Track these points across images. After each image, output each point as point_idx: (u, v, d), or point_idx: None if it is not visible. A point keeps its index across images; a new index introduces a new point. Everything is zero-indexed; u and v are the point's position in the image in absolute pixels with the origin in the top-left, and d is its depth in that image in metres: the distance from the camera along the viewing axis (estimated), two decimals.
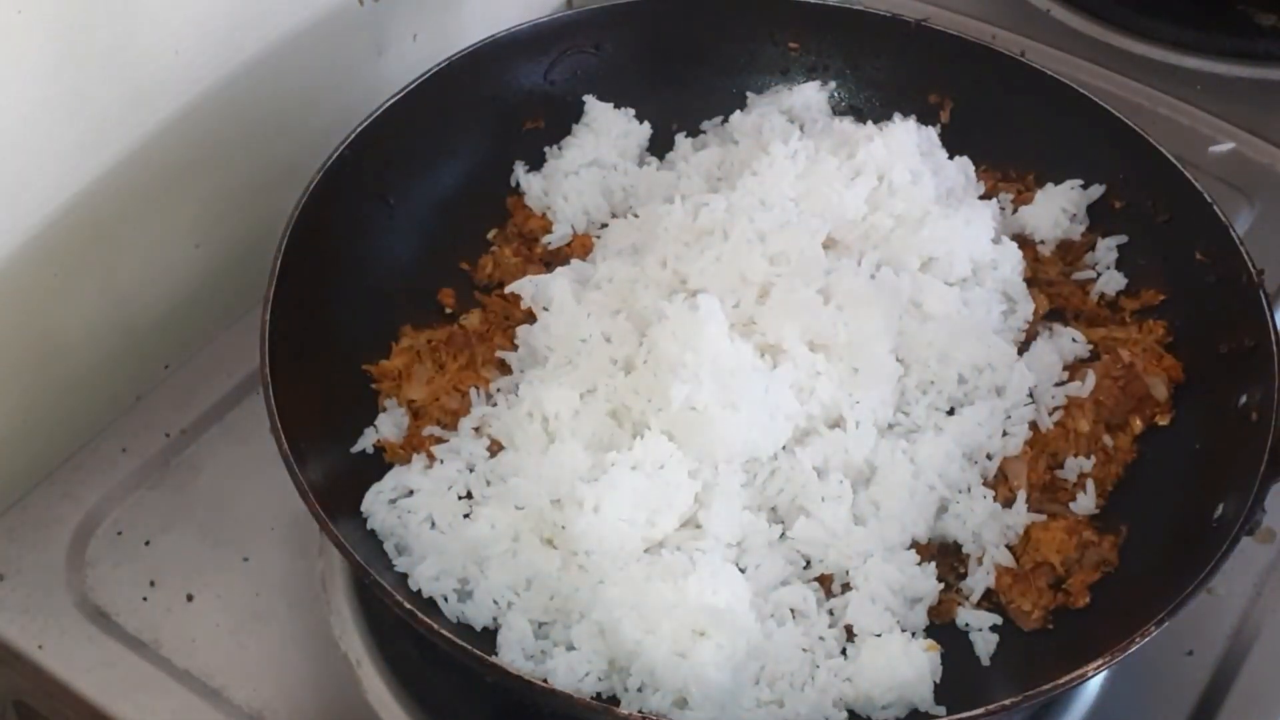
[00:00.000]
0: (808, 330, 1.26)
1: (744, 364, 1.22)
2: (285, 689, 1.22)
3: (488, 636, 1.15)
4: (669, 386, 1.19)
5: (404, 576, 1.17)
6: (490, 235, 1.47)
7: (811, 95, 1.53)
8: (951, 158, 1.47)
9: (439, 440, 1.27)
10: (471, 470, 1.24)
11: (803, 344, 1.25)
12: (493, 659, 1.08)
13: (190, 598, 1.27)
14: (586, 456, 1.20)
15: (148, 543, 1.31)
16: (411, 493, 1.22)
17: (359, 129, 1.35)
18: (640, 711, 1.06)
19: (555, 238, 1.45)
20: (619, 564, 1.14)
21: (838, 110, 1.55)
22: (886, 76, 1.54)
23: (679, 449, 1.19)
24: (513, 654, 1.12)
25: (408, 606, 1.07)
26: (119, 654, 1.23)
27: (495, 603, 1.15)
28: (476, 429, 1.27)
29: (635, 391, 1.23)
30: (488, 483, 1.23)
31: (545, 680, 1.08)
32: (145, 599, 1.27)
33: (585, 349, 1.27)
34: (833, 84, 1.55)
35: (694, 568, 1.14)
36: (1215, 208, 1.31)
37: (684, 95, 1.55)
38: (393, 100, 1.38)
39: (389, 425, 1.28)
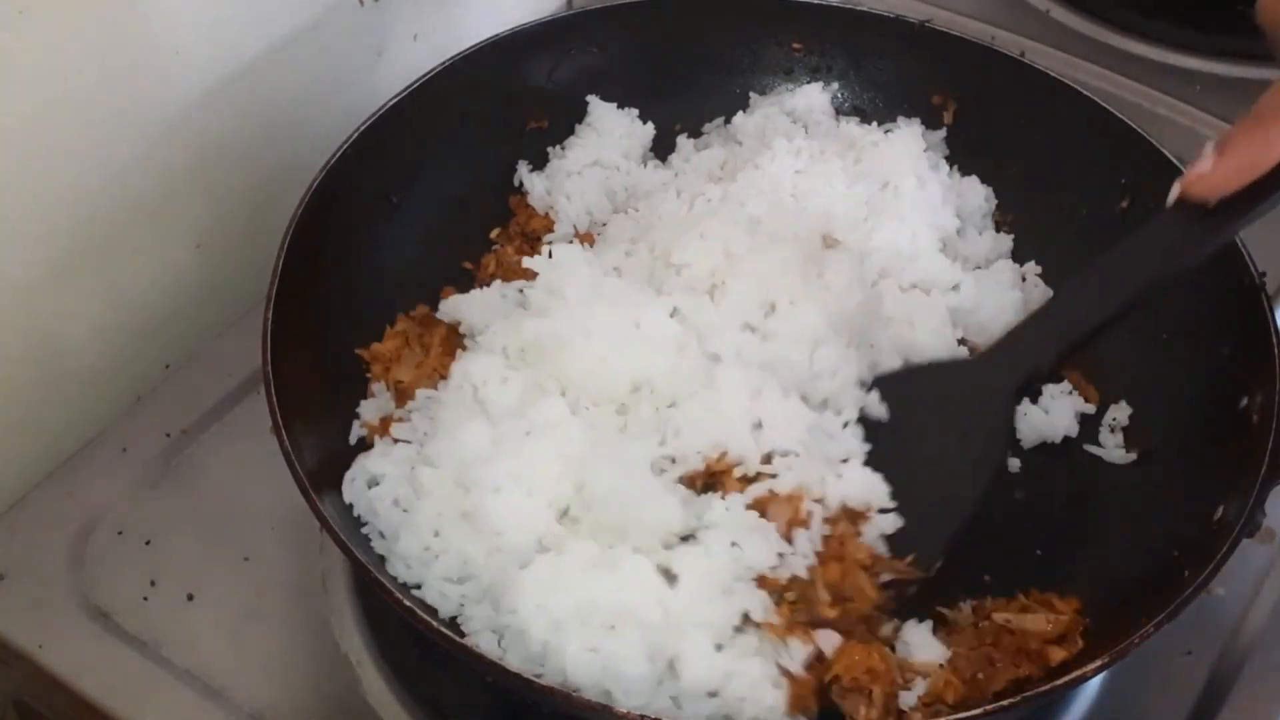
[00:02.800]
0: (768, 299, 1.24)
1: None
2: (286, 688, 1.22)
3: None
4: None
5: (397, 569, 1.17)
6: (493, 234, 1.47)
7: (815, 97, 1.53)
8: (953, 163, 1.48)
9: (401, 420, 1.27)
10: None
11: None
12: (492, 658, 1.08)
13: (191, 597, 1.27)
14: (488, 430, 1.18)
15: (148, 542, 1.31)
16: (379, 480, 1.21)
17: (363, 127, 1.35)
18: (639, 711, 1.06)
19: (557, 237, 1.45)
20: (532, 544, 1.13)
21: (841, 111, 1.55)
22: (890, 77, 1.54)
23: (573, 408, 1.18)
24: (485, 641, 1.11)
25: (407, 604, 1.07)
26: (119, 653, 1.23)
27: (444, 594, 1.15)
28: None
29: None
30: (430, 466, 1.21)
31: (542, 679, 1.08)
32: (146, 599, 1.27)
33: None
34: (835, 85, 1.56)
35: (606, 562, 1.12)
36: None
37: (687, 95, 1.55)
38: (397, 99, 1.38)
39: (372, 410, 1.28)
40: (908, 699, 1.10)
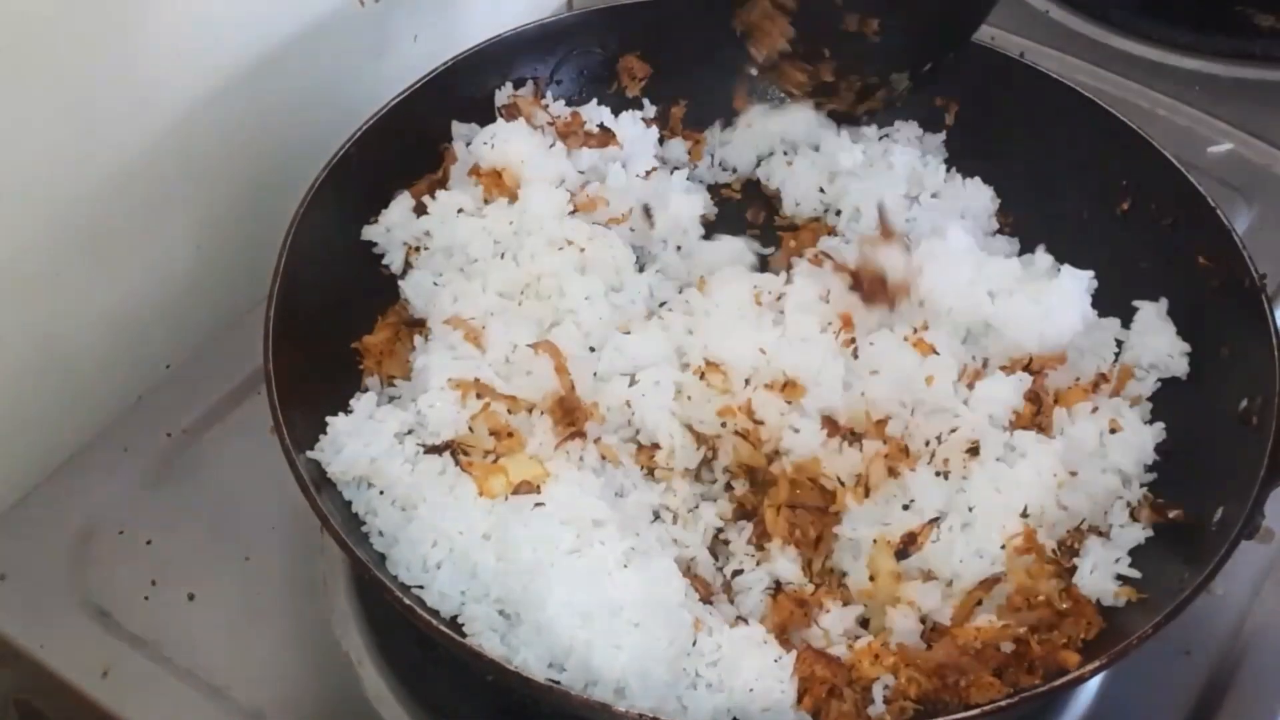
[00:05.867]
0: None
1: None
2: (286, 687, 1.23)
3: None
4: None
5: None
6: None
7: (799, 115, 1.52)
8: (949, 164, 1.49)
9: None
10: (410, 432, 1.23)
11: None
12: (492, 656, 1.08)
13: (191, 597, 1.27)
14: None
15: (149, 542, 1.31)
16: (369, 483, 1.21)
17: (363, 127, 1.35)
18: (638, 711, 1.06)
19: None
20: (550, 560, 1.13)
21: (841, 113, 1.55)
22: None
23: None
24: (487, 640, 1.12)
25: (407, 602, 1.08)
26: (120, 653, 1.23)
27: (444, 594, 1.15)
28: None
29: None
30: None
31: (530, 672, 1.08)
32: (146, 598, 1.27)
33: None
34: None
35: (629, 562, 1.14)
36: (1219, 212, 1.31)
37: (689, 96, 1.55)
38: (397, 99, 1.38)
39: (367, 405, 1.26)
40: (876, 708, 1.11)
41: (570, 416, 1.23)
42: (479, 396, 1.23)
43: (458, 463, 1.19)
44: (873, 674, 1.11)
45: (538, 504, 1.15)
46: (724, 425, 1.26)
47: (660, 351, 1.30)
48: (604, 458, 1.23)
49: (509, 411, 1.23)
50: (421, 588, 1.15)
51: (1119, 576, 1.17)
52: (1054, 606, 1.15)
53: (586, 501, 1.16)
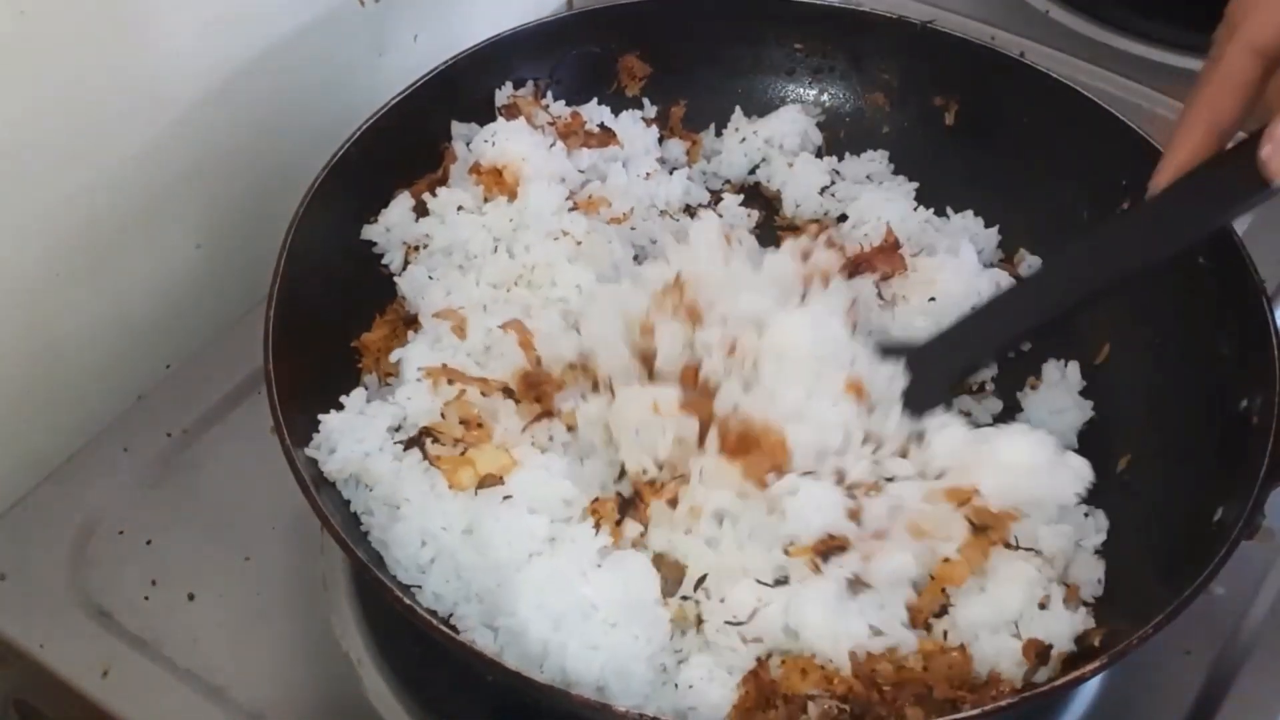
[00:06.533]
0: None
1: None
2: (287, 688, 1.23)
3: None
4: None
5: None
6: None
7: (788, 124, 1.53)
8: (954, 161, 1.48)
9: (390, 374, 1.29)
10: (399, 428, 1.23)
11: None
12: (493, 657, 1.08)
13: (191, 597, 1.27)
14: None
15: (149, 542, 1.31)
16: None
17: (363, 127, 1.35)
18: (639, 711, 1.06)
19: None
20: (524, 556, 1.13)
21: (840, 113, 1.56)
22: (892, 78, 1.55)
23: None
24: (480, 638, 1.12)
25: (407, 603, 1.07)
26: (120, 653, 1.23)
27: (438, 594, 1.15)
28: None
29: None
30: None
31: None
32: (146, 598, 1.27)
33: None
34: (837, 87, 1.56)
35: (603, 560, 1.13)
36: None
37: (689, 96, 1.55)
38: (397, 99, 1.38)
39: (359, 401, 1.26)
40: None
41: (537, 391, 1.23)
42: (450, 382, 1.22)
43: (425, 455, 1.19)
44: (802, 689, 1.09)
45: (506, 496, 1.15)
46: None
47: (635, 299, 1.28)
48: (570, 428, 1.22)
49: (482, 394, 1.22)
50: (419, 588, 1.15)
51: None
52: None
53: (553, 483, 1.15)
